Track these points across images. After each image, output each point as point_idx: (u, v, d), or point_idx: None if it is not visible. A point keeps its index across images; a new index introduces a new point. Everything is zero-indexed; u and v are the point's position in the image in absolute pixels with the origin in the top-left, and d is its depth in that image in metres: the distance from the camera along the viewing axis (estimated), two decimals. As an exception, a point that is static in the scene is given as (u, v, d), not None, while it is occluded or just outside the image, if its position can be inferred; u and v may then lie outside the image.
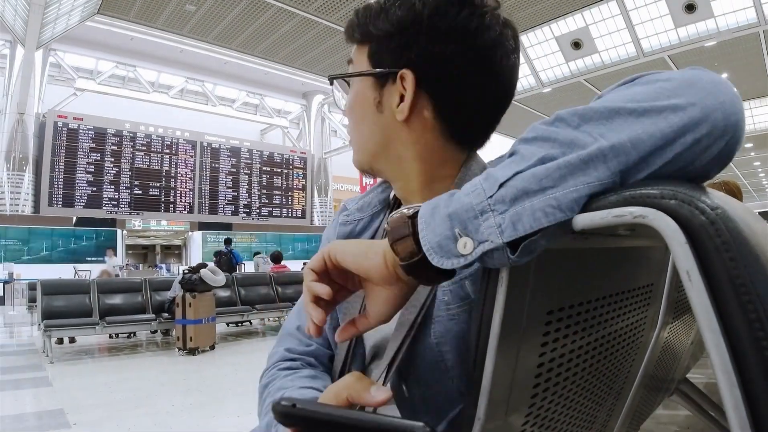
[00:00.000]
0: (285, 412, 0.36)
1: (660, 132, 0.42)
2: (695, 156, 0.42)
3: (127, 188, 17.95)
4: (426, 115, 0.73)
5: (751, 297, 0.35)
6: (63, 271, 13.84)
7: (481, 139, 0.79)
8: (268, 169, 21.44)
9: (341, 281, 0.60)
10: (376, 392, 0.52)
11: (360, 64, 0.77)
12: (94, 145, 17.25)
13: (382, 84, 0.75)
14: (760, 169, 28.08)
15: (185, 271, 7.36)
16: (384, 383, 0.63)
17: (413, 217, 0.51)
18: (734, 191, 3.02)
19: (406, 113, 0.73)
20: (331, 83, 0.85)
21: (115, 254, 13.01)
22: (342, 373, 0.79)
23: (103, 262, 12.53)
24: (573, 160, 0.43)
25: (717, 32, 13.31)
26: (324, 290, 0.56)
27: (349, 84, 0.81)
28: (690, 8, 12.93)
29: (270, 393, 0.80)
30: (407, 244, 0.51)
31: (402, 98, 0.73)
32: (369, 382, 0.57)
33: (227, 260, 11.23)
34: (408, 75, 0.71)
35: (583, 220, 0.43)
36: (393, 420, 0.34)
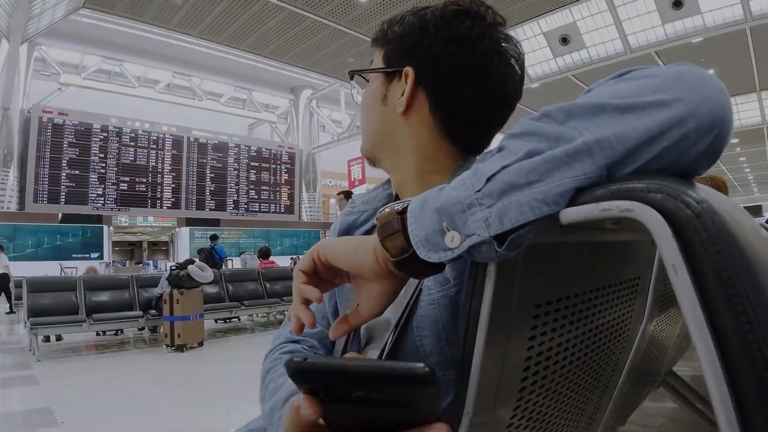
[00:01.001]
0: (297, 368, 0.37)
1: (645, 127, 0.42)
2: (683, 151, 0.43)
3: (113, 184, 17.68)
4: (423, 111, 0.80)
5: (737, 290, 0.35)
6: (49, 269, 13.66)
7: (478, 142, 0.83)
8: (256, 164, 21.25)
9: (329, 277, 0.60)
10: None
11: (377, 64, 0.86)
12: (79, 140, 16.98)
13: (390, 80, 0.83)
14: (745, 165, 28.34)
15: (172, 268, 7.29)
16: None
17: (402, 212, 0.51)
18: (720, 186, 3.06)
19: (404, 106, 0.80)
20: (351, 78, 0.93)
21: (2, 251, 12.65)
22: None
23: (90, 258, 12.32)
24: (558, 154, 0.43)
25: (704, 29, 13.39)
26: (314, 294, 0.56)
27: (368, 81, 0.89)
28: (677, 4, 12.99)
29: (272, 378, 0.82)
30: (397, 240, 0.51)
31: (403, 93, 0.80)
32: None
33: (207, 257, 10.99)
34: (409, 72, 0.79)
35: (570, 214, 0.43)
36: (395, 363, 0.36)
